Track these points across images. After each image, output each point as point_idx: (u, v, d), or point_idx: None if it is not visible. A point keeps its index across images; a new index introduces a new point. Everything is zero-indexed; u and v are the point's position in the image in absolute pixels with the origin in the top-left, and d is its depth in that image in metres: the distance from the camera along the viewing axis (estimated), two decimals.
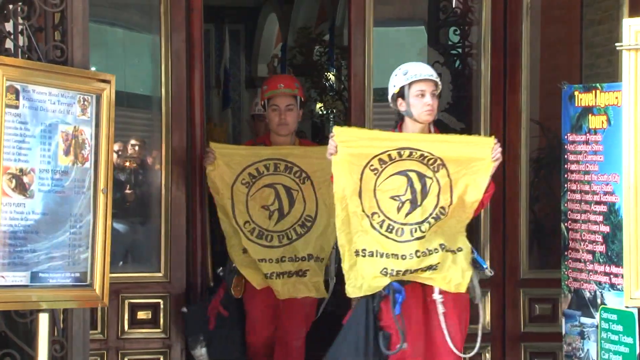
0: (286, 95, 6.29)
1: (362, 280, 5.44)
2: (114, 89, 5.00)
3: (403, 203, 5.48)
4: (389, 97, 5.66)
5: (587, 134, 5.94)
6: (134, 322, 6.34)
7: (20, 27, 4.80)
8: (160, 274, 6.34)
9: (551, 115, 6.69)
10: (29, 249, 4.61)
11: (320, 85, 12.85)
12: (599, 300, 5.83)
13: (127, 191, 6.78)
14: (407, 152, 5.44)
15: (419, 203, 5.48)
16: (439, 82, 5.62)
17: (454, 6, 7.77)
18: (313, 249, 6.18)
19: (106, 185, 4.92)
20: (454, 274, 5.48)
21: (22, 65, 4.62)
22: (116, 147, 6.58)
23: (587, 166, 5.92)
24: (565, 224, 6.08)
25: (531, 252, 6.77)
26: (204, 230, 6.43)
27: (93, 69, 5.37)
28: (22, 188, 4.57)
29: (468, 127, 7.26)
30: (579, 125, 5.98)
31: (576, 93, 6.03)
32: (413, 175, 5.48)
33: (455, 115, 7.91)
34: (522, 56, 6.74)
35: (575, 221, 6.00)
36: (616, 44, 5.32)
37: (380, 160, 5.44)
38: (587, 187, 5.91)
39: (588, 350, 5.92)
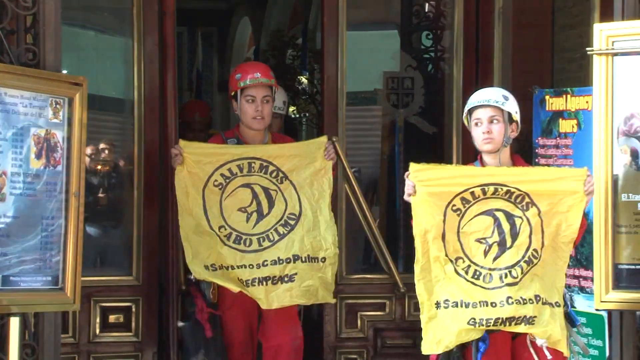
0: (263, 86, 5.83)
1: (442, 334, 4.91)
2: (86, 92, 4.99)
3: (490, 246, 4.97)
4: None
5: (558, 138, 5.98)
6: (106, 326, 6.30)
7: None
8: (131, 278, 6.31)
9: (523, 120, 6.70)
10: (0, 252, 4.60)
11: (293, 88, 12.85)
12: (568, 303, 5.86)
13: (100, 194, 6.76)
14: (491, 189, 4.96)
15: (508, 245, 4.95)
16: (503, 105, 5.05)
17: (426, 10, 7.80)
18: (300, 249, 5.69)
19: (78, 189, 4.91)
20: (554, 330, 4.88)
21: None
22: (88, 150, 6.54)
23: None
24: None
25: None
26: (176, 232, 6.40)
27: (65, 72, 5.36)
28: None
29: (440, 132, 7.29)
30: (550, 129, 6.03)
31: (547, 97, 6.08)
32: (500, 215, 4.98)
33: (427, 120, 7.94)
34: (494, 60, 6.79)
35: None
36: (587, 49, 5.36)
37: (462, 199, 4.97)
38: None
39: None
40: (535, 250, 4.94)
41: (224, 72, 14.62)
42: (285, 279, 5.65)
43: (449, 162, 6.90)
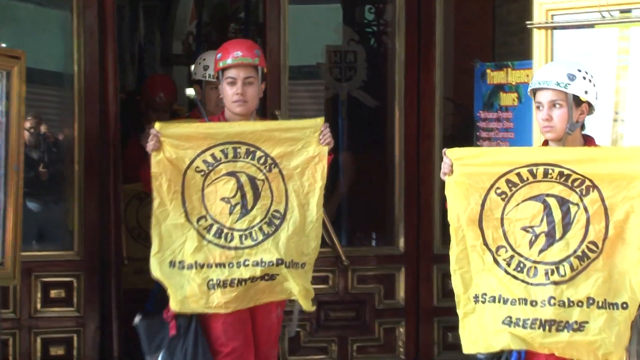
0: (245, 66, 5.18)
1: (479, 333, 4.42)
2: (24, 66, 4.95)
3: (537, 236, 4.37)
4: None
5: (499, 112, 6.03)
6: (47, 301, 6.26)
7: None
8: (72, 253, 6.27)
9: (464, 93, 6.77)
10: None
11: None
12: None
13: (40, 169, 6.70)
14: (541, 171, 4.34)
15: (557, 237, 4.34)
16: (566, 88, 4.38)
17: None
18: (285, 254, 5.08)
19: (17, 163, 4.87)
20: (605, 340, 4.22)
21: None
22: (27, 124, 6.48)
23: (499, 143, 6.03)
24: None
25: (445, 228, 6.80)
26: (119, 208, 6.38)
27: (3, 45, 5.30)
28: None
29: (383, 105, 7.31)
30: (491, 102, 6.08)
31: (488, 71, 6.13)
32: (552, 201, 4.35)
33: (370, 94, 7.97)
34: (436, 34, 6.79)
35: None
36: (527, 22, 5.40)
37: (508, 181, 4.39)
38: None
39: None
40: (593, 243, 4.31)
41: (167, 47, 14.51)
42: (266, 277, 5.07)
43: (392, 136, 6.92)
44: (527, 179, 4.36)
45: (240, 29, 12.82)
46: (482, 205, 4.41)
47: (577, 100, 4.39)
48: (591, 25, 5.21)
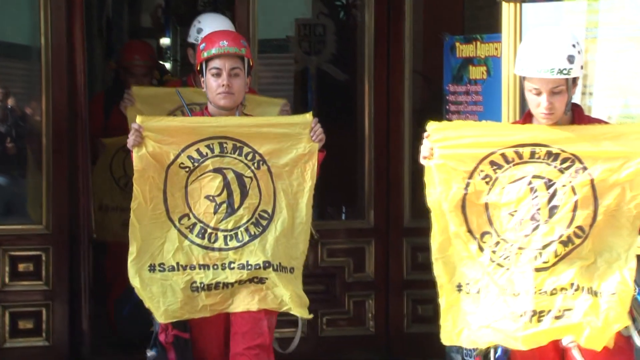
0: (231, 56, 4.87)
1: (463, 324, 4.21)
2: None
3: (522, 220, 4.15)
4: None
5: (468, 85, 6.04)
6: (15, 275, 6.24)
7: None
8: (41, 226, 6.25)
9: (434, 67, 6.77)
10: None
11: None
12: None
13: (8, 144, 6.65)
14: (527, 151, 4.12)
15: (541, 221, 4.12)
16: (569, 74, 4.07)
17: None
18: (272, 256, 4.80)
19: None
20: (591, 323, 4.02)
21: None
22: None
23: (467, 116, 6.04)
24: None
25: (414, 202, 6.86)
26: (87, 181, 6.36)
27: None
28: None
29: (352, 79, 7.31)
30: (460, 75, 6.09)
31: (457, 44, 6.14)
32: (537, 183, 4.12)
33: (340, 67, 7.98)
34: (406, 7, 6.79)
35: None
36: None
37: (492, 163, 4.15)
38: None
39: None
40: (580, 227, 4.08)
41: (135, 20, 14.42)
42: (255, 280, 4.79)
43: (361, 109, 6.92)
44: (513, 160, 4.14)
45: (210, 1, 12.76)
46: (466, 189, 4.18)
47: (573, 79, 4.14)
48: None
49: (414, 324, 6.82)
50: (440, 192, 4.20)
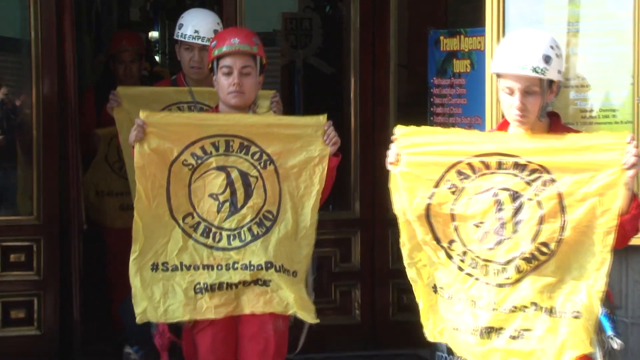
0: (242, 54, 4.75)
1: (443, 324, 4.11)
2: None
3: (486, 233, 3.98)
4: None
5: (452, 78, 6.10)
6: (7, 265, 6.28)
7: None
8: (32, 217, 6.29)
9: (419, 60, 6.83)
10: None
11: None
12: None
13: None
14: (494, 161, 3.94)
15: (505, 235, 3.94)
16: (544, 74, 3.89)
17: None
18: (274, 257, 4.67)
19: None
20: (546, 351, 3.84)
21: None
22: None
23: (452, 109, 6.10)
24: None
25: None
26: (77, 172, 6.40)
27: None
28: None
29: (339, 72, 7.36)
30: (444, 69, 6.15)
31: (441, 38, 6.20)
32: (503, 195, 3.93)
33: (326, 60, 8.01)
34: (390, 1, 6.84)
35: None
36: None
37: (459, 172, 4.00)
38: None
39: None
40: (544, 244, 3.88)
41: (124, 13, 14.43)
42: (259, 282, 4.66)
43: (347, 102, 6.97)
44: (480, 169, 3.96)
45: None
46: (430, 198, 4.03)
47: (549, 83, 3.94)
48: None
49: (399, 312, 6.89)
50: (404, 201, 4.08)
